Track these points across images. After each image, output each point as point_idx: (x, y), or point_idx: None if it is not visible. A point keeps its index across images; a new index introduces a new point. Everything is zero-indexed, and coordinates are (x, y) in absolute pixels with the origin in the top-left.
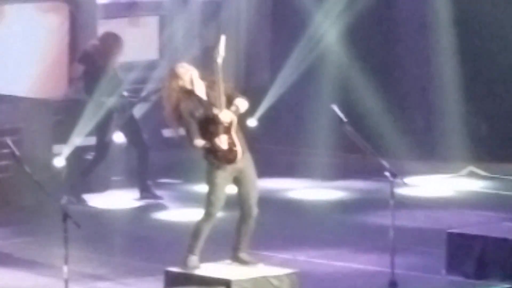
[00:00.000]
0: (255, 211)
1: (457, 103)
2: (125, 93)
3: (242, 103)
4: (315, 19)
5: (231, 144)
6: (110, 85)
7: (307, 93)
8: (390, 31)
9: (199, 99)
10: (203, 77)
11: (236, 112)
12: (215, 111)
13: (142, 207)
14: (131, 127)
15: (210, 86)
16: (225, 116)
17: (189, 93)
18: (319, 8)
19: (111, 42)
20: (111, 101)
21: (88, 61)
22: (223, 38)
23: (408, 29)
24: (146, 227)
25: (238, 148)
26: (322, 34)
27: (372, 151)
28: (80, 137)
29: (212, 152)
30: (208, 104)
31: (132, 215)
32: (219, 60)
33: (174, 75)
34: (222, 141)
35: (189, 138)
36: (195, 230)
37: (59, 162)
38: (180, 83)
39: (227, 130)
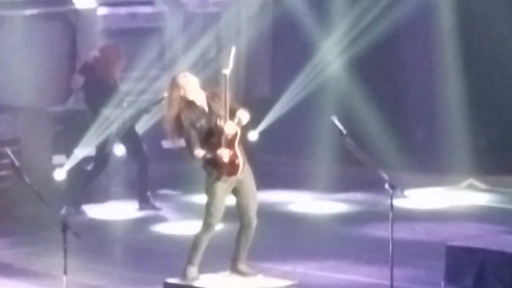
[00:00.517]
0: (254, 222)
1: (457, 116)
2: (125, 105)
3: (244, 116)
4: (315, 35)
5: (233, 156)
6: (110, 96)
7: (308, 105)
8: (391, 43)
9: (200, 110)
10: (203, 88)
11: (239, 124)
12: (219, 122)
13: (141, 219)
14: (131, 139)
15: (211, 97)
16: (230, 128)
17: (190, 104)
18: (320, 24)
19: (112, 53)
20: (111, 113)
21: (89, 72)
22: (233, 50)
23: (409, 42)
24: (145, 238)
25: (240, 161)
26: (323, 51)
27: (372, 163)
28: (81, 149)
29: (212, 163)
30: (210, 115)
31: (131, 226)
32: (227, 71)
33: (175, 84)
34: (224, 154)
35: (189, 148)
36: (195, 241)
37: (60, 175)
38: (182, 92)
39: (230, 143)
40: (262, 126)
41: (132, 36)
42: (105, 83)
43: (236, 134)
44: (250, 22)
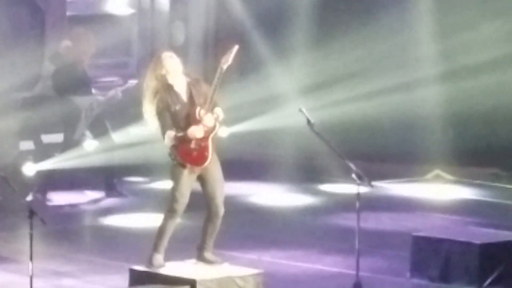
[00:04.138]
0: (221, 210)
1: (425, 107)
2: (94, 92)
3: (221, 113)
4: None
5: (204, 148)
6: (79, 83)
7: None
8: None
9: (177, 95)
10: (186, 73)
11: (217, 119)
12: (199, 112)
13: (107, 205)
14: (99, 126)
15: (193, 84)
16: (209, 120)
17: (168, 86)
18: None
19: (83, 41)
20: (80, 100)
21: (60, 61)
22: (235, 48)
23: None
24: (111, 225)
25: (209, 155)
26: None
27: (339, 153)
28: (48, 135)
29: (179, 147)
30: (190, 103)
31: (97, 213)
32: (224, 66)
33: (159, 63)
34: (196, 131)
35: (161, 130)
36: (160, 228)
37: (29, 170)
38: (163, 72)
39: (206, 134)
40: (237, 127)
41: (101, 23)
42: (74, 70)
43: (214, 128)
44: (218, 8)
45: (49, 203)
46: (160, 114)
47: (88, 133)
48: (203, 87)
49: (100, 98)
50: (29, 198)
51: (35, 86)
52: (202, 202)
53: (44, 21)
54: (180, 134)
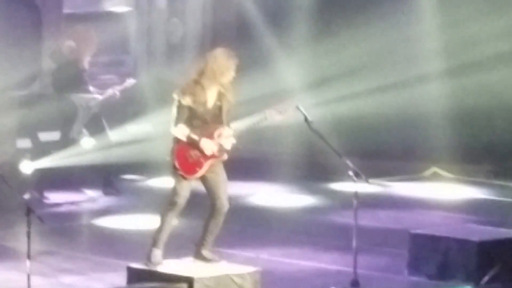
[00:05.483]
0: (226, 207)
1: (423, 105)
2: (91, 89)
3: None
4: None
5: (200, 164)
6: (78, 81)
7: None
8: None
9: (205, 97)
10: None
11: (229, 142)
12: (220, 133)
13: (105, 203)
14: (96, 125)
15: (226, 89)
16: (226, 144)
17: (203, 84)
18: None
19: (85, 39)
20: (77, 98)
21: (60, 58)
22: (289, 111)
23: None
24: (109, 223)
25: (200, 171)
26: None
27: (336, 150)
28: (45, 133)
29: (179, 147)
30: (212, 112)
31: (95, 211)
32: (269, 117)
33: (216, 59)
34: (207, 147)
35: (173, 119)
36: (160, 222)
37: (27, 168)
38: (212, 70)
39: (211, 155)
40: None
41: (97, 20)
42: (74, 68)
43: (222, 154)
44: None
45: (47, 201)
46: (181, 104)
47: (85, 131)
48: (230, 99)
49: (98, 96)
50: (27, 196)
51: (32, 84)
52: (202, 201)
53: (41, 19)
54: (194, 137)
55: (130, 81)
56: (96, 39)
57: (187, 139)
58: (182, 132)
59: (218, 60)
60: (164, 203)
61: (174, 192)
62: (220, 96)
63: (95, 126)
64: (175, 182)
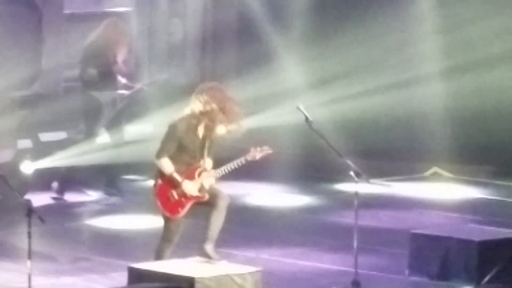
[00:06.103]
0: (227, 198)
1: (425, 105)
2: (122, 83)
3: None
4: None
5: (182, 205)
6: (105, 75)
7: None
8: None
9: (195, 134)
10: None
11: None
12: (200, 172)
13: (107, 203)
14: (115, 122)
15: (209, 129)
16: (207, 183)
17: (199, 122)
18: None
19: (118, 33)
20: (102, 95)
21: (93, 51)
22: (268, 152)
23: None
24: (110, 223)
25: (180, 213)
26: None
27: (337, 150)
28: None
29: (161, 185)
30: (199, 146)
31: (97, 211)
32: (249, 159)
33: (212, 101)
34: (190, 189)
35: (160, 148)
36: (156, 258)
37: (27, 168)
38: (216, 108)
39: (193, 197)
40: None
41: (98, 20)
42: (104, 60)
43: (203, 196)
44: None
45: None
46: (174, 136)
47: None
48: (216, 132)
49: (124, 92)
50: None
51: (32, 84)
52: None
53: (41, 19)
54: (177, 178)
55: (159, 77)
56: (130, 35)
57: (169, 177)
58: (167, 168)
59: (218, 101)
60: (158, 239)
61: (165, 229)
62: (207, 128)
63: (114, 124)
64: (163, 219)
